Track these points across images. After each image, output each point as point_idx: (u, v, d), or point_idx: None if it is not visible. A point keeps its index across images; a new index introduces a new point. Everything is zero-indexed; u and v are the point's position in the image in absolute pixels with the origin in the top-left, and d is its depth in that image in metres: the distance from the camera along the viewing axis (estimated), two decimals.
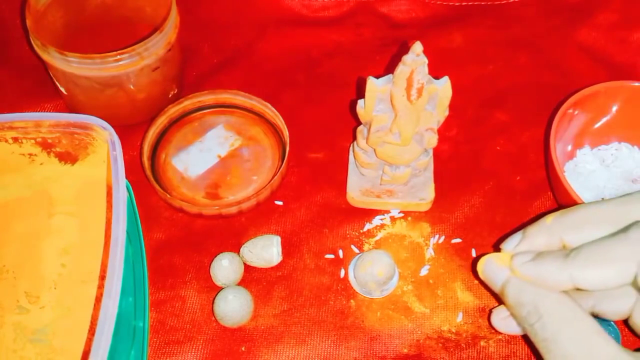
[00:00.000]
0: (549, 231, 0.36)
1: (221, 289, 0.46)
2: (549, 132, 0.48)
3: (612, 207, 0.35)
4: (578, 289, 0.34)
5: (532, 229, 0.37)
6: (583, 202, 0.43)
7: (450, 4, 0.65)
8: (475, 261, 0.40)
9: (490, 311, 0.39)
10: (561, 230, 0.36)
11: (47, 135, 0.44)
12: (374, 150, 0.47)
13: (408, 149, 0.46)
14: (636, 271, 0.31)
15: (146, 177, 0.51)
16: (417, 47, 0.40)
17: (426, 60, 0.40)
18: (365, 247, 0.49)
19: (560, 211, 0.37)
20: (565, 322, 0.33)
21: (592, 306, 0.38)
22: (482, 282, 0.40)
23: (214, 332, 0.45)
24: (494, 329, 0.40)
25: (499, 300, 0.38)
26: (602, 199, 0.49)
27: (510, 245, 0.38)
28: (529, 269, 0.35)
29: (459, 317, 0.45)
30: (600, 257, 0.33)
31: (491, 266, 0.38)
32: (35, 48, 0.50)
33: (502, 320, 0.38)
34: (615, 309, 0.37)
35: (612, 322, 0.43)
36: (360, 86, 0.58)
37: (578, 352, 0.32)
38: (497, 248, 0.41)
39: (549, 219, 0.37)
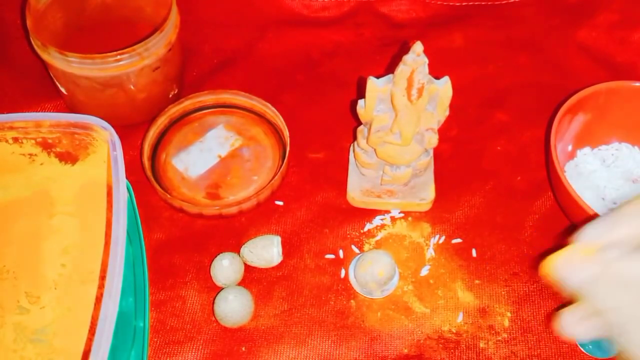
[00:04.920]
0: None
1: (221, 289, 0.46)
2: (550, 132, 0.48)
3: None
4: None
5: (623, 214, 0.30)
6: (584, 202, 0.43)
7: (450, 4, 0.65)
8: (543, 257, 0.32)
9: (555, 313, 0.32)
10: None
11: (48, 136, 0.44)
12: (375, 150, 0.47)
13: (408, 149, 0.46)
14: None
15: (146, 177, 0.51)
16: (418, 47, 0.40)
17: (426, 60, 0.40)
18: (366, 247, 0.49)
19: None
20: None
21: None
22: (551, 281, 0.32)
23: (214, 332, 0.45)
24: (561, 335, 0.33)
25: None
26: (603, 198, 0.49)
27: (593, 234, 0.31)
28: (629, 267, 0.28)
29: (460, 317, 0.45)
30: None
31: (573, 262, 0.31)
32: (36, 48, 0.50)
33: (578, 324, 0.31)
34: None
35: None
36: (360, 86, 0.58)
37: None
38: (563, 242, 0.33)
39: None
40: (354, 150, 0.51)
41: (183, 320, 0.45)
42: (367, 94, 0.44)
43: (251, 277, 0.47)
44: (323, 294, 0.46)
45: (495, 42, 0.62)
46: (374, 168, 0.49)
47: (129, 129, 0.54)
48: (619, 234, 0.30)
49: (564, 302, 0.32)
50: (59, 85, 0.53)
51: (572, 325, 0.31)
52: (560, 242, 0.32)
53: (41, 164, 0.45)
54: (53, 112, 0.57)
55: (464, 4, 0.65)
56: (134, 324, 0.43)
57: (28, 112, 0.57)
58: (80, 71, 0.49)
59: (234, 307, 0.43)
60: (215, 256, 0.46)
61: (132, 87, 0.51)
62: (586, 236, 0.31)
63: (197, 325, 0.45)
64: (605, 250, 0.30)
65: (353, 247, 0.49)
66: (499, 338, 0.44)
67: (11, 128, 0.43)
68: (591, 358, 0.43)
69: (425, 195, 0.50)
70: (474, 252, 0.48)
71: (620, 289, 0.29)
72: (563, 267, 0.31)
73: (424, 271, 0.47)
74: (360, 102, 0.45)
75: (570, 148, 0.52)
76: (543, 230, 0.49)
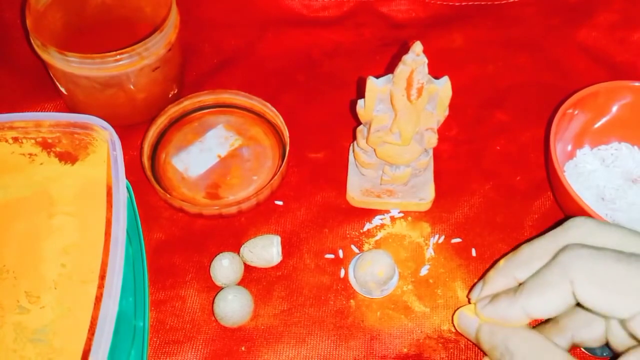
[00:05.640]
0: (502, 273, 0.39)
1: (221, 288, 0.46)
2: (549, 132, 0.48)
3: (550, 239, 0.37)
4: (537, 320, 0.37)
5: (490, 274, 0.40)
6: (583, 202, 0.44)
7: (450, 4, 0.65)
8: (455, 312, 0.43)
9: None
10: (512, 269, 0.38)
11: (47, 135, 0.44)
12: (374, 150, 0.47)
13: (408, 149, 0.46)
14: (573, 290, 0.34)
15: (146, 177, 0.51)
16: (417, 47, 0.40)
17: (426, 60, 0.40)
18: (365, 247, 0.49)
19: (511, 253, 0.40)
20: (535, 355, 0.36)
21: (571, 338, 0.39)
22: (463, 335, 0.43)
23: (214, 332, 0.45)
24: None
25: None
26: (603, 198, 0.49)
27: (475, 293, 0.41)
28: (489, 311, 0.38)
29: None
30: (539, 285, 0.35)
31: (463, 318, 0.41)
32: (35, 48, 0.50)
33: None
34: (592, 335, 0.38)
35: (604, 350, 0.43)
36: (360, 86, 0.58)
37: None
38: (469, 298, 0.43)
39: (502, 262, 0.40)
40: (353, 150, 0.51)
41: (183, 320, 0.45)
42: (367, 94, 0.44)
43: (251, 277, 0.47)
44: (323, 293, 0.46)
45: (495, 42, 0.62)
46: (374, 168, 0.49)
47: (129, 129, 0.54)
48: (488, 290, 0.39)
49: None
50: (59, 85, 0.53)
51: None
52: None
53: (41, 164, 0.45)
54: (53, 112, 0.57)
55: (464, 4, 0.65)
56: (134, 324, 0.43)
57: (28, 112, 0.57)
58: (80, 71, 0.49)
59: (234, 306, 0.43)
60: (215, 256, 0.47)
61: (132, 87, 0.51)
62: (471, 295, 0.41)
63: (197, 325, 0.45)
64: (477, 305, 0.39)
65: (353, 247, 0.49)
66: None
67: (11, 128, 0.43)
68: (589, 357, 0.43)
69: (425, 195, 0.50)
70: (473, 252, 0.48)
71: (491, 333, 0.38)
72: (460, 323, 0.41)
73: (424, 271, 0.47)
74: (360, 102, 0.45)
75: (569, 148, 0.52)
76: (543, 230, 0.49)
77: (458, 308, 0.42)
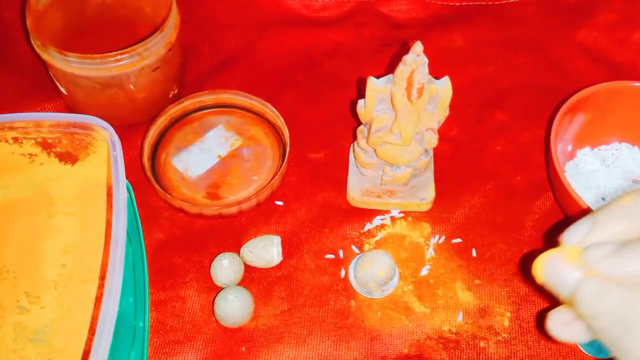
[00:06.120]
0: (628, 215, 0.28)
1: (221, 289, 0.46)
2: (550, 132, 0.48)
3: None
4: None
5: (605, 214, 0.29)
6: (584, 202, 0.43)
7: (450, 4, 0.65)
8: (527, 259, 0.32)
9: (543, 314, 0.31)
10: None
11: (48, 136, 0.44)
12: (375, 150, 0.47)
13: (408, 149, 0.46)
14: None
15: (146, 177, 0.51)
16: (418, 47, 0.40)
17: (426, 60, 0.40)
18: (366, 247, 0.49)
19: (635, 190, 0.29)
20: None
21: None
22: (544, 287, 0.30)
23: (214, 332, 0.45)
24: (550, 336, 0.31)
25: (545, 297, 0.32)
26: (603, 198, 0.49)
27: (577, 236, 0.29)
28: (614, 263, 0.27)
29: (460, 317, 0.45)
30: None
31: (557, 266, 0.29)
32: (36, 48, 0.50)
33: (565, 327, 0.30)
34: None
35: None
36: (360, 86, 0.58)
37: None
38: (550, 241, 0.33)
39: (627, 200, 0.28)
40: (354, 150, 0.51)
41: (183, 320, 0.45)
42: (367, 94, 0.44)
43: (251, 277, 0.47)
44: (323, 294, 0.46)
45: (495, 42, 0.62)
46: (374, 168, 0.49)
47: (129, 129, 0.54)
48: (601, 234, 0.29)
49: (557, 302, 0.30)
50: (59, 85, 0.53)
51: (559, 327, 0.30)
52: (554, 241, 0.31)
53: (41, 164, 0.45)
54: (53, 112, 0.57)
55: (464, 4, 0.65)
56: (134, 324, 0.43)
57: (28, 112, 0.57)
58: (80, 71, 0.49)
59: (234, 307, 0.43)
60: (215, 256, 0.46)
61: (132, 87, 0.51)
62: (569, 238, 0.30)
63: (197, 325, 0.45)
64: (588, 253, 0.28)
65: (353, 247, 0.49)
66: (499, 338, 0.44)
67: (11, 128, 0.43)
68: (591, 358, 0.43)
69: (425, 195, 0.50)
70: (474, 252, 0.48)
71: (604, 293, 0.27)
72: (549, 272, 0.29)
73: (424, 271, 0.47)
74: (360, 102, 0.45)
75: (570, 148, 0.52)
76: (543, 230, 0.49)
77: (535, 252, 0.31)
